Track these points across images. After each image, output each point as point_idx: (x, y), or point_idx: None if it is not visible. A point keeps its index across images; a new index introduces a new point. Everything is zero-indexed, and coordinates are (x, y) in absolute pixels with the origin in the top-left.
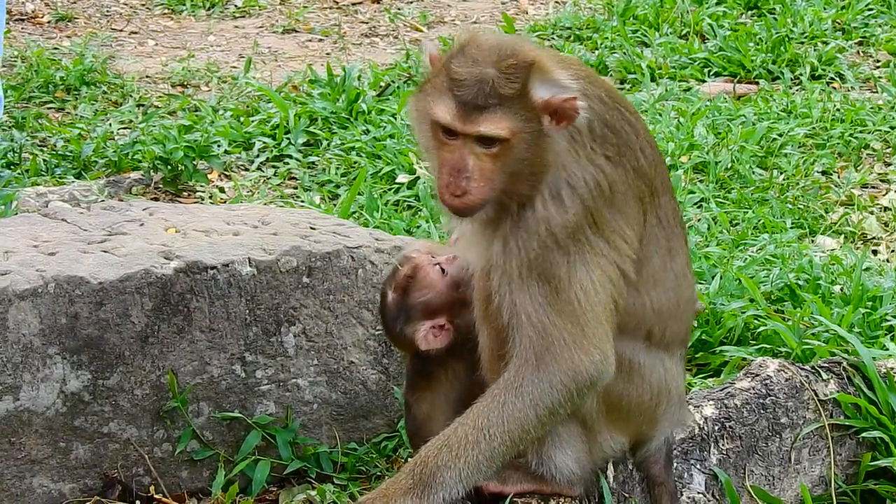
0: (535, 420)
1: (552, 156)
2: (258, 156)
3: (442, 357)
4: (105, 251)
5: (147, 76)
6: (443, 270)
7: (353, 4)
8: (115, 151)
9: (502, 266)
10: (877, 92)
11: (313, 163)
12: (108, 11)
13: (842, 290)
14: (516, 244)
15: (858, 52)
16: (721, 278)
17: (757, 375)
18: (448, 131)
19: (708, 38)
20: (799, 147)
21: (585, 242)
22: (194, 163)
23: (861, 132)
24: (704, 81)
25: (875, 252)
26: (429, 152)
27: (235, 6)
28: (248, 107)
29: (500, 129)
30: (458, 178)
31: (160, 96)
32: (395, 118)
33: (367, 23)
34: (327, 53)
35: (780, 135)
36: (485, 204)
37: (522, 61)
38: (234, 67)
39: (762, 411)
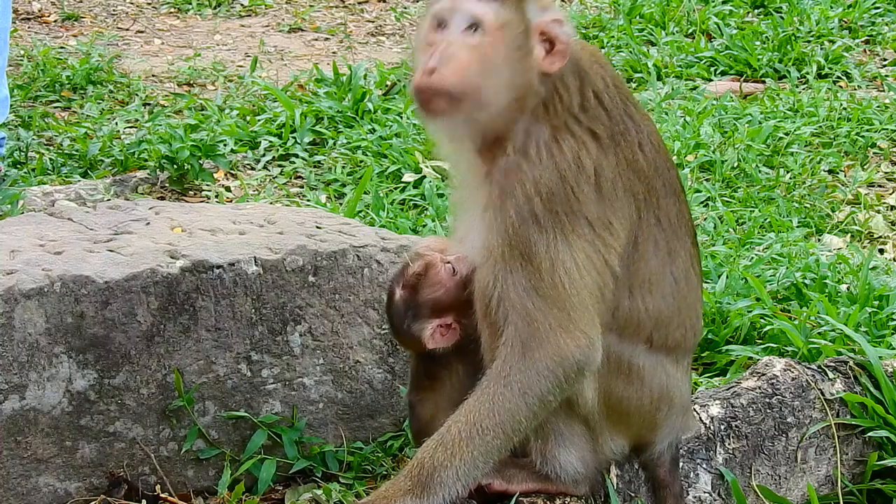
0: (525, 410)
1: (528, 94)
2: (264, 155)
3: (447, 358)
4: (111, 250)
5: (153, 75)
6: (453, 269)
7: (360, 3)
8: (121, 150)
9: (490, 248)
10: (883, 90)
11: (319, 162)
12: (114, 10)
13: (848, 289)
14: (499, 213)
15: (865, 51)
16: (727, 277)
17: (763, 375)
18: (439, 24)
19: (714, 37)
20: (805, 146)
21: (566, 221)
22: (200, 162)
23: (868, 131)
24: (711, 80)
25: (882, 251)
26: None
27: (242, 5)
28: (254, 106)
29: (486, 14)
30: (433, 58)
31: (166, 95)
32: (401, 117)
33: (373, 21)
34: (333, 52)
35: (787, 133)
36: (451, 97)
37: None
38: (241, 66)
39: (768, 410)
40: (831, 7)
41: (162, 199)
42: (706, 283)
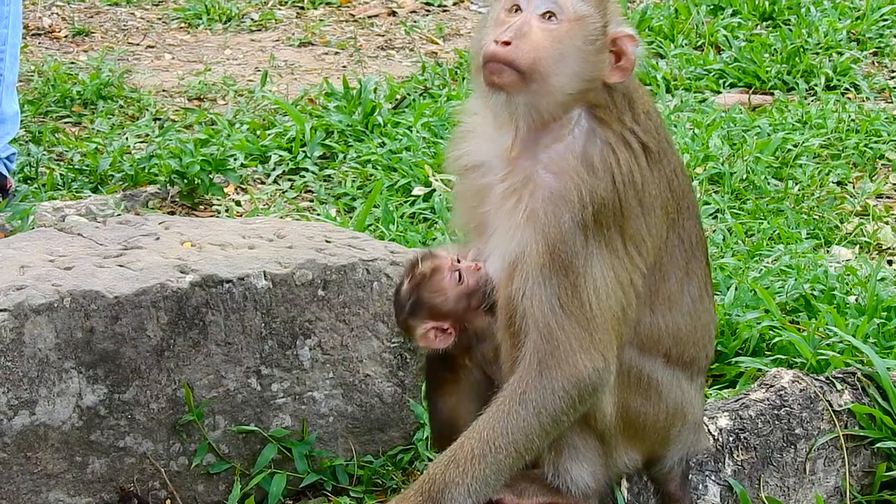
0: (538, 429)
1: (590, 93)
2: (274, 169)
3: (456, 352)
4: (121, 265)
5: (163, 90)
6: (460, 277)
7: (369, 17)
8: (131, 165)
9: (527, 255)
10: (892, 102)
11: (329, 176)
12: (124, 26)
13: (857, 300)
14: (549, 216)
15: (873, 63)
16: (736, 289)
17: (771, 386)
18: (514, 7)
19: (723, 50)
20: (814, 158)
21: (606, 234)
22: (210, 176)
23: (876, 142)
24: (719, 93)
25: (890, 262)
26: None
27: (252, 20)
28: (264, 120)
29: (565, 3)
30: (508, 31)
31: (176, 110)
32: (411, 131)
33: (383, 35)
34: (343, 66)
35: (795, 145)
36: (521, 73)
37: None
38: (251, 81)
39: (777, 422)
40: (839, 19)
41: (172, 213)
42: (715, 294)
